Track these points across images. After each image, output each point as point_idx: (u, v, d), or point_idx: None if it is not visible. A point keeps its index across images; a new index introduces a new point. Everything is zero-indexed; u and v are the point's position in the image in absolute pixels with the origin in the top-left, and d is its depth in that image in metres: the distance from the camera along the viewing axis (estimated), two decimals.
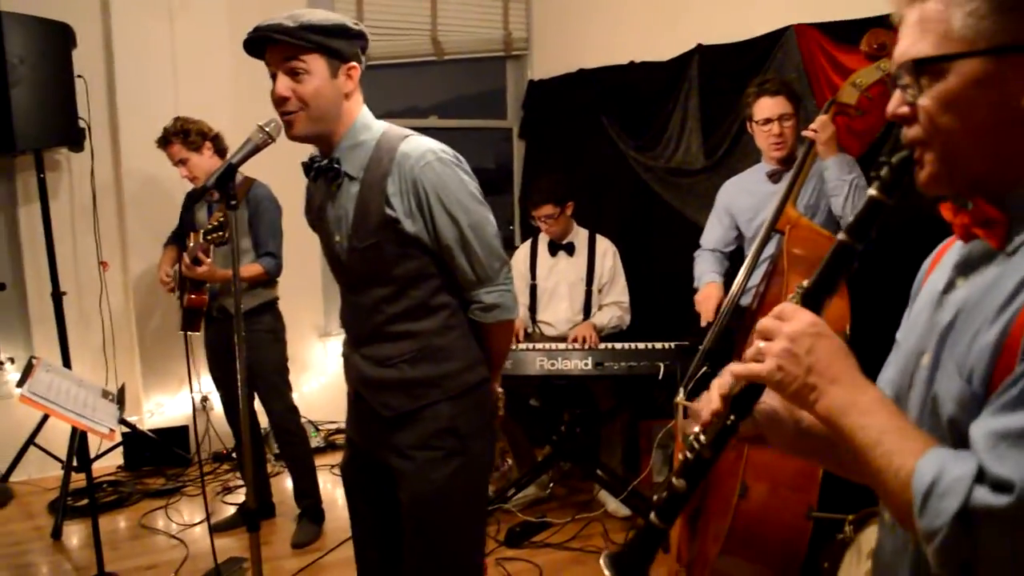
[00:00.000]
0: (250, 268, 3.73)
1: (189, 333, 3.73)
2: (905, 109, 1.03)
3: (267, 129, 2.24)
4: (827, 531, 2.45)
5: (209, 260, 3.53)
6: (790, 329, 1.03)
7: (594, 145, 4.94)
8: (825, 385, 1.00)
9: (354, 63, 2.09)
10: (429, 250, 2.11)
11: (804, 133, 3.02)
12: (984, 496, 0.85)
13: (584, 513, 4.06)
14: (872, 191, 1.06)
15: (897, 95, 1.04)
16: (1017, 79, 0.94)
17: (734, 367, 1.09)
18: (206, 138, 3.82)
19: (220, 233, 3.38)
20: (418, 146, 2.08)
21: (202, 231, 3.52)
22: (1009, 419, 0.87)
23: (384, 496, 2.28)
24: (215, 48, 4.78)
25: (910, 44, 1.00)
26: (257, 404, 3.82)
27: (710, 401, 1.16)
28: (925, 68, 0.98)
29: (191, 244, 3.64)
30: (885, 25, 3.03)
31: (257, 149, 2.27)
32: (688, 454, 1.16)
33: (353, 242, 2.12)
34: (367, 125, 2.15)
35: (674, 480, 1.16)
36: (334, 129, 2.11)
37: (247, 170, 2.95)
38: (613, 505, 4.04)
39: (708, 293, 3.46)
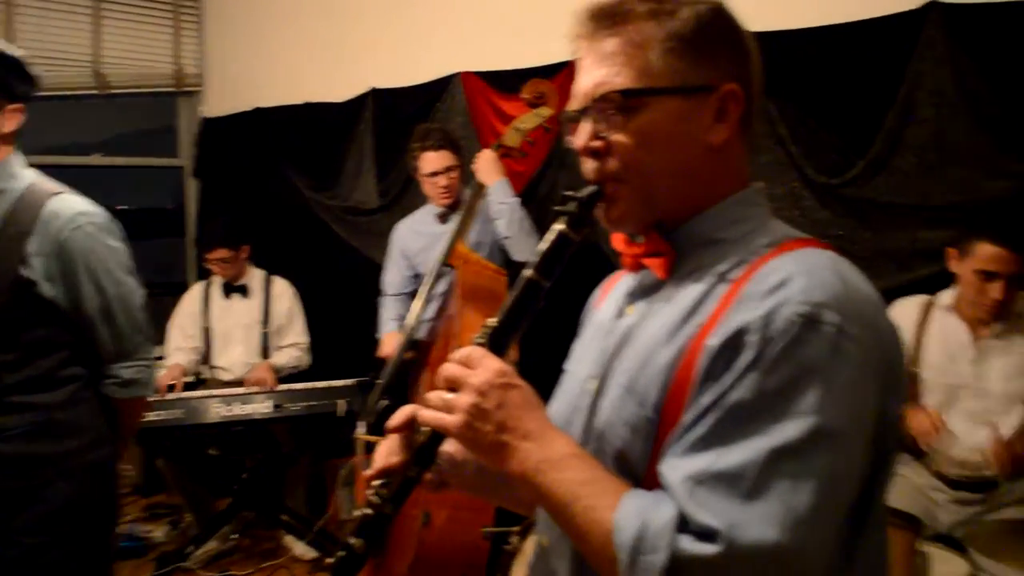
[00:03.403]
0: None
1: None
2: (598, 143, 1.00)
3: None
4: (500, 544, 2.57)
5: None
6: (478, 381, 0.95)
7: (273, 184, 4.87)
8: (517, 442, 0.94)
9: None
10: (64, 317, 1.94)
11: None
12: (690, 546, 0.82)
13: (270, 560, 3.92)
14: (560, 226, 1.01)
15: (587, 129, 1.01)
16: (705, 117, 0.98)
17: (421, 414, 1.01)
18: None
19: None
20: (69, 207, 1.93)
21: None
22: (700, 460, 0.85)
23: None
24: None
25: (607, 76, 0.99)
26: None
27: (389, 454, 1.11)
28: (626, 102, 0.97)
29: None
30: (543, 75, 3.32)
31: None
32: (368, 511, 1.06)
33: None
34: (12, 174, 1.94)
35: (352, 540, 1.05)
36: None
37: None
38: (300, 548, 3.94)
39: (387, 341, 3.59)
